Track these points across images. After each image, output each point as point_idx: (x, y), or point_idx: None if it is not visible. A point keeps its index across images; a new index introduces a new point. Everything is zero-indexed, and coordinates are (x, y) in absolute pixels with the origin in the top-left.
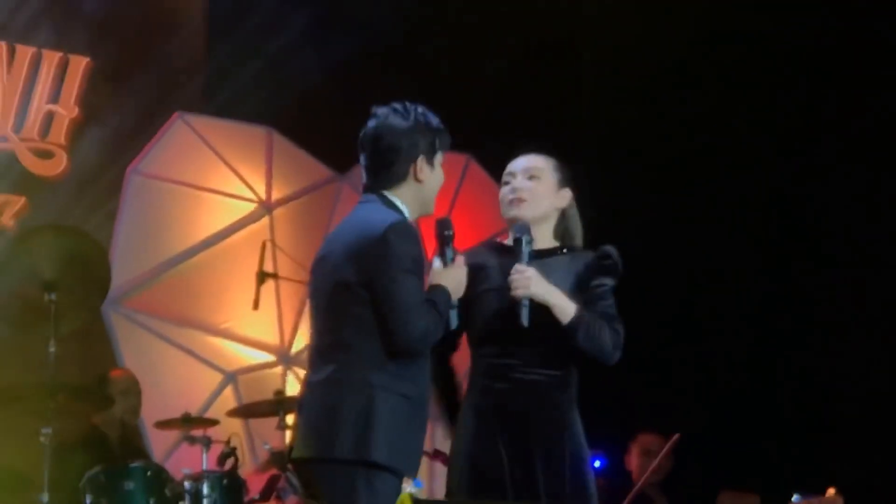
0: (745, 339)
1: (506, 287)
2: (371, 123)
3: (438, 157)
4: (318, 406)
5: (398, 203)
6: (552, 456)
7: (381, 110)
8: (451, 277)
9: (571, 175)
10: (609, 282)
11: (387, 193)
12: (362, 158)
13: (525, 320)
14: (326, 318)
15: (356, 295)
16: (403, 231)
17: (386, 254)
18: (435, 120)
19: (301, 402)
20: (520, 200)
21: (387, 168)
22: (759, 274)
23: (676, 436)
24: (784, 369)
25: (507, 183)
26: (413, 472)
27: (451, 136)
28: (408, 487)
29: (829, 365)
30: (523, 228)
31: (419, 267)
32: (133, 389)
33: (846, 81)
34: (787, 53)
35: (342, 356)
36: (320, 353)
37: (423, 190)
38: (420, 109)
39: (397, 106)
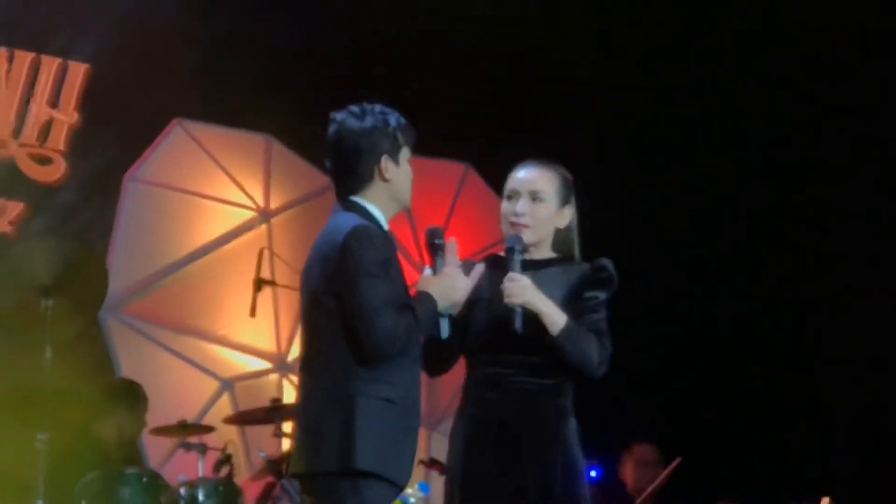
0: (740, 350)
1: (497, 297)
2: (331, 129)
3: (404, 153)
4: (304, 421)
5: (368, 206)
6: (544, 466)
7: (339, 115)
8: (439, 284)
9: (573, 189)
10: (602, 295)
11: (356, 198)
12: (328, 165)
13: (519, 326)
14: (306, 330)
15: (326, 305)
16: (363, 235)
17: (347, 261)
18: (394, 116)
19: (295, 416)
20: (523, 226)
21: (351, 171)
22: (753, 287)
23: (677, 460)
24: (778, 382)
25: (509, 198)
26: (405, 478)
27: (415, 132)
28: (412, 493)
29: (825, 377)
30: (515, 238)
31: (384, 269)
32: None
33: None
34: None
35: (321, 367)
36: (304, 365)
37: (392, 188)
38: (378, 108)
39: (354, 108)
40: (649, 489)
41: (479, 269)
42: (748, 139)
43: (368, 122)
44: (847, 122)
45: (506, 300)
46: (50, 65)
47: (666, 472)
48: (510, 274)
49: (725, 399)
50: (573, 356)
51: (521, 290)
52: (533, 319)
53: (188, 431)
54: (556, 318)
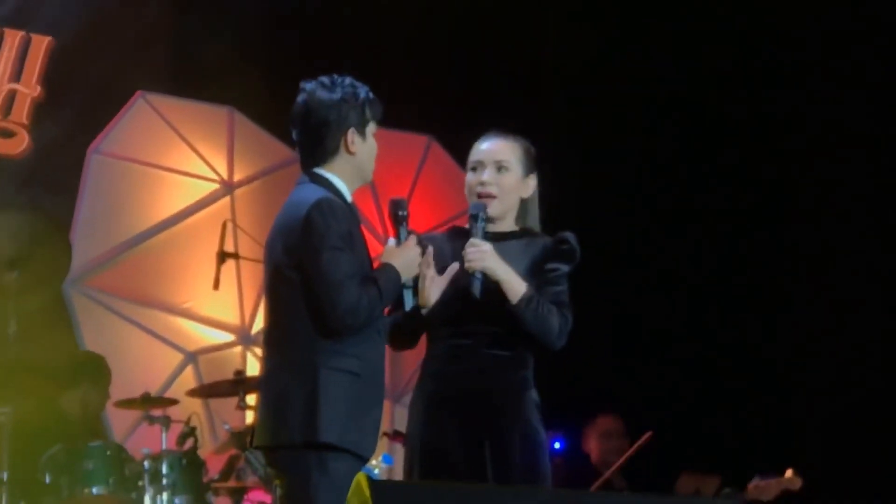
0: (704, 321)
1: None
2: (300, 99)
3: (370, 128)
4: (268, 394)
5: (332, 178)
6: (504, 438)
7: (308, 85)
8: (402, 256)
9: (536, 157)
10: (564, 267)
11: (320, 170)
12: (294, 135)
13: (477, 292)
14: (269, 303)
15: (289, 278)
16: (327, 208)
17: (310, 233)
18: (363, 90)
19: (258, 389)
20: (490, 196)
21: (318, 143)
22: (719, 258)
23: (648, 434)
24: (743, 352)
25: (474, 169)
26: (369, 451)
27: (381, 107)
28: (376, 465)
29: (788, 348)
30: (479, 206)
31: (347, 242)
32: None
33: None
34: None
35: (285, 341)
36: (268, 338)
37: (357, 161)
38: (347, 81)
39: (324, 79)
40: (618, 462)
41: (440, 242)
42: (716, 105)
43: (338, 94)
44: (817, 93)
45: (466, 265)
46: (13, 38)
47: (636, 446)
48: (472, 239)
49: (690, 370)
50: (533, 325)
51: (482, 255)
52: (493, 288)
53: (152, 404)
54: (516, 285)
